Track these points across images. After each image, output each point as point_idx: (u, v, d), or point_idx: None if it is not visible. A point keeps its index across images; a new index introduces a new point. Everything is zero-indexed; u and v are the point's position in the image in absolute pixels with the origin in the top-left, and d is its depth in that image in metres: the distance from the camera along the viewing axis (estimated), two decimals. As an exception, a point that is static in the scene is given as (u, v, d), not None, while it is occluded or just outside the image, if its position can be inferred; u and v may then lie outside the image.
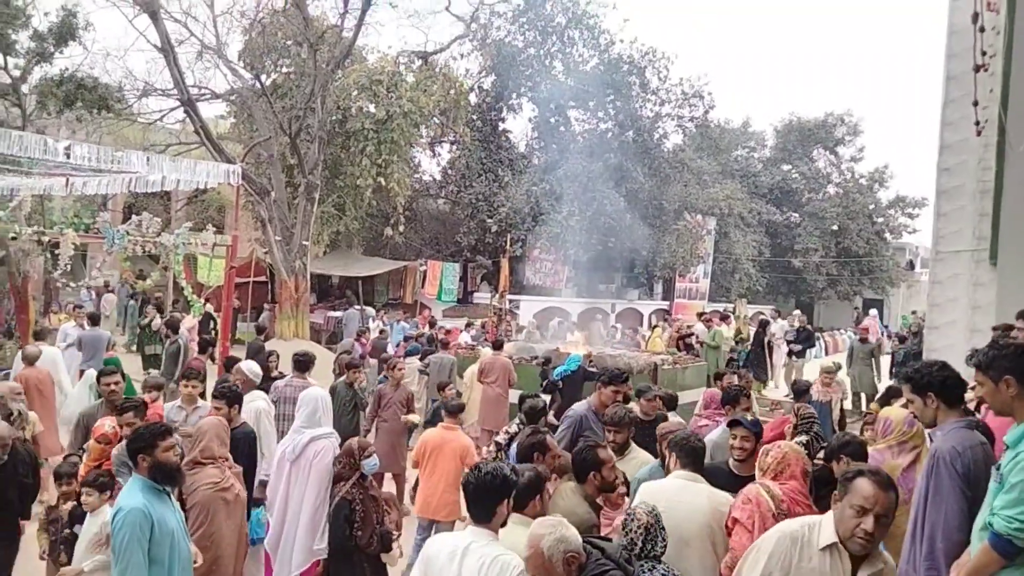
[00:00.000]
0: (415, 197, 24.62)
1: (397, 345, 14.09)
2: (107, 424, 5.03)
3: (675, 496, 3.53)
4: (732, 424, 4.33)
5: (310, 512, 4.52)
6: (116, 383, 5.95)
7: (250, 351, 10.46)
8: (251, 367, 6.31)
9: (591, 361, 9.63)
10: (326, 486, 4.54)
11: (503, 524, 3.00)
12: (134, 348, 15.05)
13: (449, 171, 25.35)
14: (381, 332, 15.59)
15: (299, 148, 17.09)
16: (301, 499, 4.59)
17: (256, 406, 5.77)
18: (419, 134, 21.72)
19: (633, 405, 5.94)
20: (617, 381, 5.72)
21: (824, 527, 2.67)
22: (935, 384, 3.24)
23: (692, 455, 3.78)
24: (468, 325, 16.70)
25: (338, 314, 19.75)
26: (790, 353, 15.48)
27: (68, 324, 11.48)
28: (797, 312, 20.10)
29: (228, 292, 8.23)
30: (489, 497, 2.95)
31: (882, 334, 21.85)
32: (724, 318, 17.38)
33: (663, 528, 3.17)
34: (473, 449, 6.04)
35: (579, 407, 5.53)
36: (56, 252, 9.82)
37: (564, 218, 21.13)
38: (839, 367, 10.45)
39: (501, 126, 25.42)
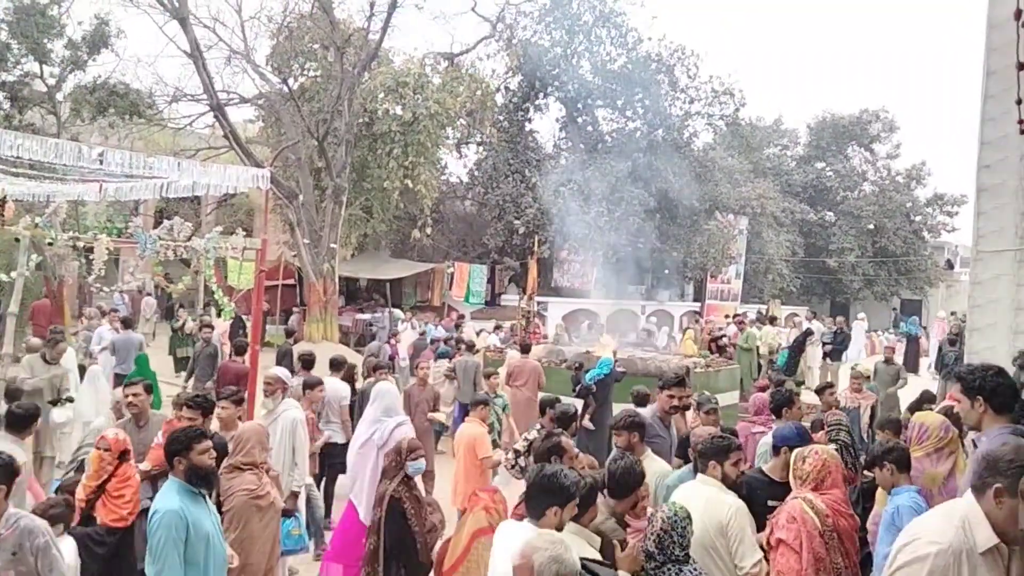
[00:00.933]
0: (442, 199, 24.71)
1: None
2: (111, 432, 4.73)
3: (681, 502, 3.49)
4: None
5: None
6: (136, 395, 5.29)
7: (280, 355, 10.62)
8: (287, 373, 6.36)
9: (617, 363, 9.63)
10: None
11: (559, 529, 2.99)
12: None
13: (476, 172, 25.44)
14: (422, 334, 15.77)
15: (326, 151, 17.28)
16: None
17: (292, 415, 5.69)
18: (446, 135, 21.83)
19: (691, 417, 5.85)
20: (671, 385, 5.50)
21: (977, 526, 2.31)
22: (987, 388, 3.19)
23: (700, 457, 3.79)
24: (497, 328, 16.76)
25: (366, 316, 19.92)
26: (825, 355, 15.30)
27: (103, 327, 11.74)
28: (862, 317, 19.73)
29: (258, 295, 8.36)
30: (539, 497, 3.02)
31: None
32: (771, 320, 17.27)
33: (680, 531, 3.12)
34: (482, 438, 6.21)
35: (645, 413, 5.42)
36: (90, 257, 10.09)
37: (592, 219, 21.08)
38: (869, 373, 10.29)
39: (528, 126, 25.45)
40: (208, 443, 3.77)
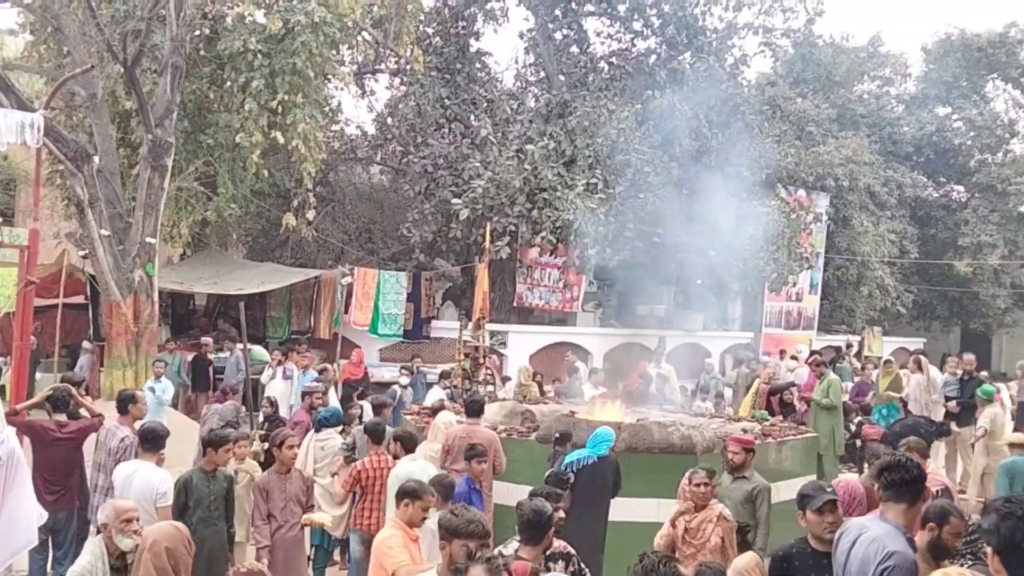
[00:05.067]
0: (333, 163, 24.54)
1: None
2: None
3: None
4: None
5: None
6: None
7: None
8: None
9: (557, 435, 9.68)
10: None
11: None
12: None
13: (389, 120, 25.34)
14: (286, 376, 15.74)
15: (139, 84, 17.07)
16: None
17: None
18: (338, 59, 21.70)
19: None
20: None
21: None
22: None
23: None
24: (444, 375, 16.76)
25: (208, 358, 19.65)
26: (947, 416, 15.51)
27: None
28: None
29: (23, 322, 8.22)
30: None
31: None
32: (884, 362, 17.51)
33: None
34: (392, 542, 6.28)
35: (903, 547, 5.07)
36: None
37: (580, 197, 21.17)
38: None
39: (475, 46, 25.49)
40: None
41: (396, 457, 9.07)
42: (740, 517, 7.82)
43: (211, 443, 8.17)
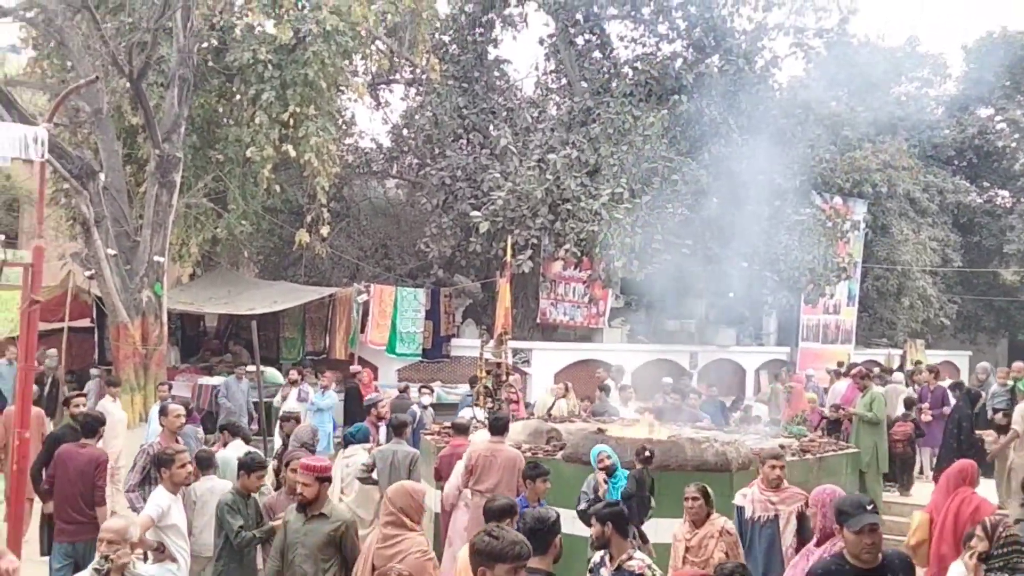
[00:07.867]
0: (347, 178, 24.57)
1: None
2: None
3: None
4: None
5: None
6: None
7: (50, 446, 10.24)
8: None
9: (647, 454, 9.47)
10: None
11: None
12: None
13: (405, 132, 25.38)
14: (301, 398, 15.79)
15: (146, 98, 17.17)
16: None
17: None
18: (351, 70, 21.76)
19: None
20: None
21: None
22: None
23: None
24: (479, 396, 16.66)
25: (216, 381, 19.64)
26: (997, 429, 15.41)
27: None
28: None
29: (27, 346, 8.24)
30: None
31: None
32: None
33: None
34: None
35: None
36: None
37: (605, 207, 21.14)
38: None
39: (493, 53, 25.55)
40: None
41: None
42: (319, 568, 7.00)
43: (244, 466, 7.91)
